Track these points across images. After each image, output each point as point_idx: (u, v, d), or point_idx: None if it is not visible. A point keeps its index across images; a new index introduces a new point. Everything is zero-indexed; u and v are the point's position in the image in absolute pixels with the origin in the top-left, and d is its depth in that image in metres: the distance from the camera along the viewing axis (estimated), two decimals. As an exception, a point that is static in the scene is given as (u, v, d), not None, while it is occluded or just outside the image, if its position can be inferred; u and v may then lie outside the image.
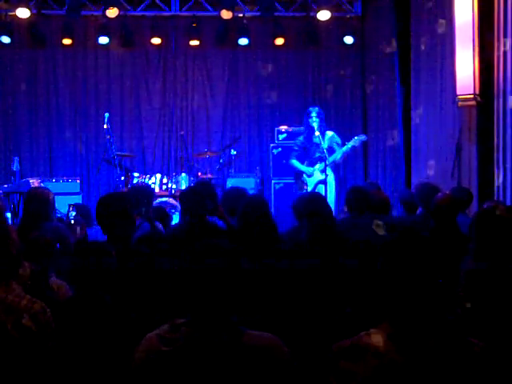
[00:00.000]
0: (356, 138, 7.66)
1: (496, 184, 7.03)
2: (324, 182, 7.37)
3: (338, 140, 7.72)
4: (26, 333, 2.19)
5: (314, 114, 7.57)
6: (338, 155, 7.57)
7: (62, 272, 3.31)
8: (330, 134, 7.71)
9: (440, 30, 8.34)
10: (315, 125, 7.49)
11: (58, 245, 3.58)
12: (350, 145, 7.59)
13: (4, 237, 2.35)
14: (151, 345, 2.06)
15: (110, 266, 2.77)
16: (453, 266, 3.04)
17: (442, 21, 8.26)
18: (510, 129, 6.83)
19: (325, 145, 7.46)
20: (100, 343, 2.49)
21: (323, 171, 7.46)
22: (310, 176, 7.74)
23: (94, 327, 2.59)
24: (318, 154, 7.59)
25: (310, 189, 7.69)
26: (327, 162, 7.32)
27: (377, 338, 1.91)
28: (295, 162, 7.82)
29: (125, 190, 8.26)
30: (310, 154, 7.71)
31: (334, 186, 7.73)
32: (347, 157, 7.93)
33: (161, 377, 2.01)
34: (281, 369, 2.04)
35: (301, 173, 7.80)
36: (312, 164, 7.72)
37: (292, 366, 2.07)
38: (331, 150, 7.60)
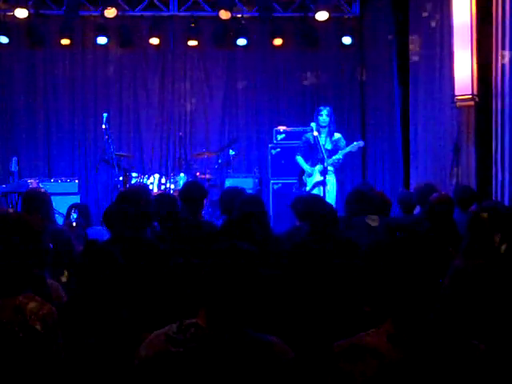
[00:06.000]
0: (355, 143, 7.69)
1: (494, 184, 7.03)
2: (322, 183, 7.37)
3: (342, 144, 7.70)
4: (32, 334, 2.18)
5: (324, 113, 7.57)
6: (334, 160, 7.55)
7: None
8: (337, 136, 7.72)
9: (438, 31, 8.34)
10: (322, 123, 7.51)
11: (51, 245, 3.57)
12: (347, 150, 7.62)
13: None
14: (159, 345, 2.02)
15: (117, 266, 2.76)
16: (447, 266, 3.05)
17: (440, 21, 8.27)
18: (509, 128, 6.83)
19: (329, 146, 7.46)
20: (103, 343, 2.48)
21: (322, 173, 7.46)
22: (309, 176, 7.72)
23: (97, 327, 2.58)
24: (320, 155, 7.60)
25: (307, 189, 7.67)
26: (325, 164, 7.30)
27: (377, 339, 1.91)
28: (299, 159, 7.82)
29: (123, 190, 8.24)
30: (314, 153, 7.67)
31: (334, 188, 7.70)
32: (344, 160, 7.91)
33: (168, 378, 1.98)
34: (285, 374, 2.02)
35: (304, 171, 7.80)
36: (314, 164, 7.70)
37: (295, 371, 2.06)
38: (334, 153, 7.60)
